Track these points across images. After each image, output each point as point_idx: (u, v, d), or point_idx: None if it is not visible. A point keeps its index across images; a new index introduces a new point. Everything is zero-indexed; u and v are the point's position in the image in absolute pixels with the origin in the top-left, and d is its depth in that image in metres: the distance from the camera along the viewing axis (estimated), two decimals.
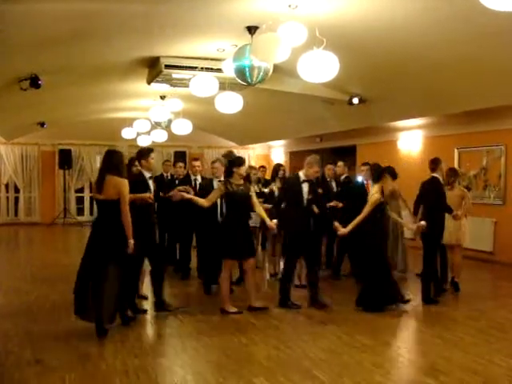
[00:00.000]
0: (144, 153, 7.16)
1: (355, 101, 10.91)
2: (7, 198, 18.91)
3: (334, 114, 12.48)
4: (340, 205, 8.88)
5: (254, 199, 7.21)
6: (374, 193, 7.33)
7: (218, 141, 20.31)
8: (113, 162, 6.23)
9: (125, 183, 6.09)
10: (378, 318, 7.01)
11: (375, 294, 7.26)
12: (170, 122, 12.21)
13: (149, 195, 6.90)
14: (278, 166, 9.83)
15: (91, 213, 19.84)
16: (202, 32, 7.65)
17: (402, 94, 10.31)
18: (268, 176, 10.81)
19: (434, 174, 8.08)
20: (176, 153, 19.92)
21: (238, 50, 7.11)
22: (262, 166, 11.85)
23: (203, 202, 7.16)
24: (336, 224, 7.45)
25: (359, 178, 9.79)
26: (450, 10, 6.30)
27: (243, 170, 7.16)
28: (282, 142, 19.72)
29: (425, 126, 13.06)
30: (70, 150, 19.01)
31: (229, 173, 7.12)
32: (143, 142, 15.28)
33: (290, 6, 6.18)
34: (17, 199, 19.00)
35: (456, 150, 12.42)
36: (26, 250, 14.50)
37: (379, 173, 7.51)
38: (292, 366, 5.23)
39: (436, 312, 7.40)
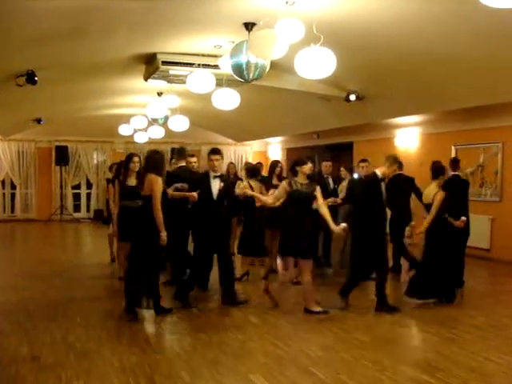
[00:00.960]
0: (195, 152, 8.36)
1: (352, 98, 10.90)
2: (3, 194, 18.87)
3: (331, 110, 12.47)
4: (339, 201, 8.85)
5: (319, 200, 7.09)
6: (436, 190, 7.38)
7: (215, 137, 20.26)
8: (151, 162, 6.84)
9: (156, 180, 6.63)
10: (375, 315, 7.01)
11: (429, 282, 7.42)
12: (166, 118, 12.18)
13: (190, 194, 7.40)
14: (275, 163, 9.79)
15: (88, 209, 19.84)
16: (199, 28, 7.63)
17: (400, 91, 10.31)
18: (265, 173, 10.80)
19: (458, 173, 8.54)
20: (173, 149, 19.87)
21: (235, 46, 7.08)
22: (259, 163, 11.86)
23: (267, 199, 7.43)
24: (413, 223, 7.40)
25: (356, 175, 9.75)
26: (449, 7, 6.29)
27: (307, 168, 7.08)
28: (279, 139, 19.71)
29: (422, 123, 13.07)
30: (66, 147, 18.95)
31: (293, 172, 7.11)
32: (140, 138, 15.28)
33: (287, 2, 6.16)
34: (13, 196, 18.97)
35: (453, 147, 12.41)
36: (23, 247, 14.48)
37: (440, 170, 7.59)
38: (289, 362, 5.23)
39: (433, 309, 7.40)
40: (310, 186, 7.04)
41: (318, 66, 5.93)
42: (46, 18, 6.60)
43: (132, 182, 7.98)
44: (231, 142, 20.78)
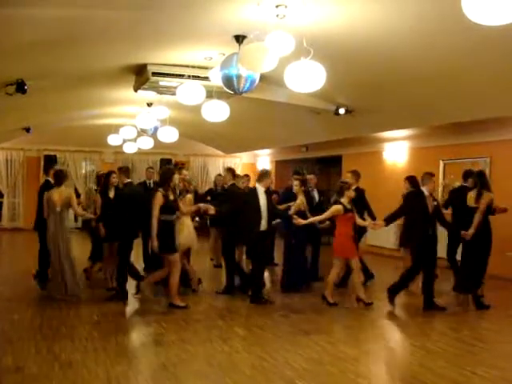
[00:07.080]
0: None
1: (342, 111, 10.94)
2: None
3: (320, 123, 12.51)
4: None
5: None
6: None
7: (205, 149, 20.30)
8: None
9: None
10: (361, 328, 7.03)
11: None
12: (156, 129, 12.17)
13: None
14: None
15: (76, 219, 19.66)
16: (189, 40, 7.65)
17: (389, 105, 10.38)
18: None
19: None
20: (162, 160, 19.88)
21: (225, 58, 7.11)
22: (246, 175, 11.92)
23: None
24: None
25: None
26: (438, 23, 6.35)
27: None
28: (268, 151, 19.75)
29: (410, 137, 13.15)
30: (55, 156, 18.91)
31: None
32: (129, 148, 15.22)
33: (277, 15, 6.19)
34: (1, 204, 18.84)
35: (441, 162, 12.50)
36: (9, 256, 14.40)
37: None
38: (275, 375, 5.22)
39: (419, 322, 7.43)
40: None
41: (307, 79, 5.95)
42: (35, 27, 6.59)
43: (112, 194, 8.77)
44: (220, 154, 20.80)
